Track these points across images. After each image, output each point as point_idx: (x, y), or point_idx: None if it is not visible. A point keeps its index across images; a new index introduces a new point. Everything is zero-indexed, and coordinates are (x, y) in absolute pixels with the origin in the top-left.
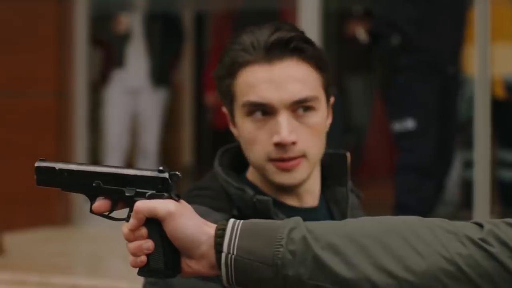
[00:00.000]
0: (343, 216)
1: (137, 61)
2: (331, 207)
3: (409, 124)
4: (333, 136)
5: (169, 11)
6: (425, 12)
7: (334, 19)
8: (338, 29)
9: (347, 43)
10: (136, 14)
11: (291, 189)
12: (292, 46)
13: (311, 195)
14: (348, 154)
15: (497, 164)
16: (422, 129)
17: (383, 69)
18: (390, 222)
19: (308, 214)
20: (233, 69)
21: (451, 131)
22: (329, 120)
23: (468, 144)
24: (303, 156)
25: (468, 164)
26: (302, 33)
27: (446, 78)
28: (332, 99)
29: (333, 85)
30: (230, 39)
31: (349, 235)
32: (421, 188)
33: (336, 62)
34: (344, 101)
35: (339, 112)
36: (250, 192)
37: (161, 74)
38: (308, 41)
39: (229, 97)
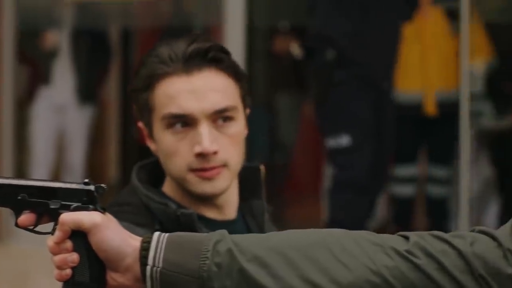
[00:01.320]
0: (260, 229)
1: (63, 78)
2: (247, 220)
3: (344, 140)
4: (260, 152)
5: (96, 27)
6: (360, 26)
7: (262, 35)
8: (266, 45)
9: (274, 59)
10: (63, 30)
11: (211, 200)
12: (210, 56)
13: (231, 207)
14: (262, 167)
15: (428, 180)
16: (357, 145)
17: (317, 84)
18: (316, 234)
19: (227, 226)
20: (151, 81)
21: (385, 147)
22: (246, 131)
23: (397, 160)
24: (224, 165)
25: (396, 180)
26: (219, 44)
27: (381, 93)
28: (248, 110)
29: (264, 101)
30: (146, 53)
31: (275, 248)
32: (355, 205)
33: (264, 78)
34: (273, 117)
35: (266, 128)
36: (173, 206)
37: (88, 91)
38: (225, 52)
39: (147, 110)
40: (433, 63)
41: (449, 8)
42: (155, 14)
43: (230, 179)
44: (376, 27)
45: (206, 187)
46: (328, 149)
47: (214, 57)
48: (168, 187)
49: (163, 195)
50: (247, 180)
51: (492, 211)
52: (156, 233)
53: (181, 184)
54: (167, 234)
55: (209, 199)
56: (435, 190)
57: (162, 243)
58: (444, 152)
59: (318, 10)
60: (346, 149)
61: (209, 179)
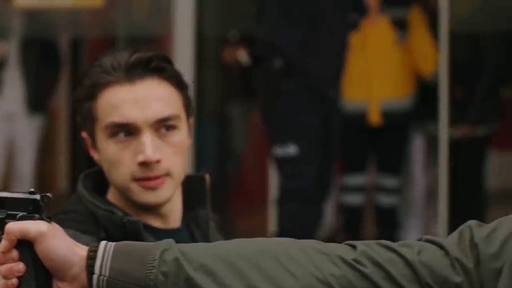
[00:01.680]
0: (205, 239)
1: (13, 87)
2: (192, 229)
3: (291, 149)
4: (209, 162)
5: (46, 36)
6: (308, 35)
7: (211, 44)
8: (216, 55)
9: (224, 68)
10: (12, 39)
11: (155, 209)
12: (153, 65)
13: (174, 216)
14: (207, 177)
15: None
16: (304, 154)
17: (265, 93)
18: (263, 243)
19: (172, 235)
20: (94, 91)
21: (332, 156)
22: (189, 141)
23: (346, 169)
24: (168, 174)
25: (345, 189)
26: (162, 53)
27: (328, 102)
28: (191, 120)
29: (214, 110)
30: (89, 63)
31: (222, 257)
32: (303, 214)
33: (213, 87)
34: (223, 127)
35: (216, 137)
36: (119, 213)
37: (37, 100)
38: (168, 61)
39: (90, 120)
40: (379, 72)
41: (396, 17)
42: (105, 23)
43: (174, 188)
44: (324, 36)
45: (149, 197)
46: (275, 158)
47: (157, 66)
48: (112, 196)
49: (109, 203)
50: (192, 189)
51: (441, 220)
52: (103, 242)
53: (124, 193)
54: (114, 243)
55: (152, 209)
56: (384, 200)
57: (108, 252)
58: (393, 161)
59: (266, 19)
60: (293, 158)
61: (152, 188)
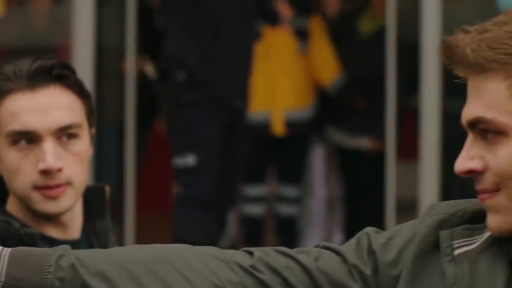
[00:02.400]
0: None
1: None
2: (92, 240)
3: (190, 160)
4: (110, 171)
5: None
6: (211, 47)
7: (111, 55)
8: (116, 65)
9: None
10: None
11: (55, 219)
12: (55, 73)
13: (75, 226)
14: (107, 188)
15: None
16: (202, 165)
17: (168, 104)
18: (160, 250)
19: (72, 246)
20: None
21: (236, 166)
22: (91, 150)
23: (249, 179)
24: (69, 183)
25: (246, 200)
26: (64, 62)
27: (234, 112)
28: (93, 130)
29: (114, 120)
30: None
31: (118, 263)
32: (200, 223)
33: (114, 98)
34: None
35: (117, 148)
36: (16, 224)
37: None
38: (70, 69)
39: None
40: (282, 82)
41: (297, 27)
42: (4, 34)
43: (75, 198)
44: (228, 47)
45: (50, 206)
46: (175, 168)
47: (59, 74)
48: (11, 206)
49: (7, 213)
50: (92, 200)
51: (340, 228)
52: None
53: (25, 202)
54: (9, 249)
55: (53, 218)
56: (284, 209)
57: (4, 257)
58: (294, 171)
59: (169, 32)
60: (191, 168)
61: (53, 197)
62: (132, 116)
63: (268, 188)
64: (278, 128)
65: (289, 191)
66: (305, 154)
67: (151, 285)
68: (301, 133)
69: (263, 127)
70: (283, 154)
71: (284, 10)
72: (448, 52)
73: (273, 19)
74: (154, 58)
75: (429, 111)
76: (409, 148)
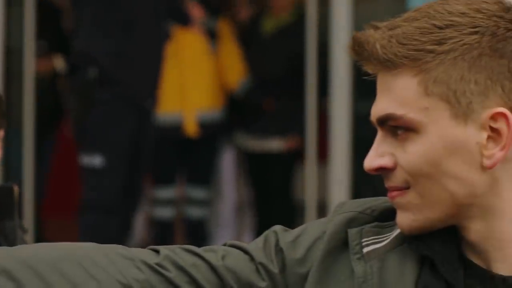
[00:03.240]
0: None
1: None
2: (0, 241)
3: (97, 160)
4: (15, 173)
5: None
6: (123, 45)
7: (19, 55)
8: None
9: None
10: None
11: None
12: None
13: None
14: (16, 188)
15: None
16: (110, 166)
17: (78, 102)
18: (66, 248)
19: None
20: None
21: (142, 168)
22: (0, 153)
23: (158, 181)
24: None
25: (156, 202)
26: None
27: (143, 113)
28: (2, 132)
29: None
30: None
31: (24, 261)
32: (105, 227)
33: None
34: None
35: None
36: None
37: None
38: None
39: None
40: (193, 83)
41: (208, 28)
42: None
43: None
44: (139, 45)
45: None
46: (82, 168)
47: None
48: None
49: None
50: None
51: (249, 230)
52: None
53: None
54: None
55: None
56: (194, 212)
57: None
58: (203, 173)
59: (81, 29)
60: (98, 169)
61: None
62: (30, 118)
63: (177, 190)
64: (190, 129)
65: (198, 193)
66: (215, 156)
67: (57, 284)
68: (211, 135)
69: (175, 128)
70: (192, 156)
71: (195, 10)
72: (358, 49)
73: (184, 20)
74: (64, 57)
75: (339, 113)
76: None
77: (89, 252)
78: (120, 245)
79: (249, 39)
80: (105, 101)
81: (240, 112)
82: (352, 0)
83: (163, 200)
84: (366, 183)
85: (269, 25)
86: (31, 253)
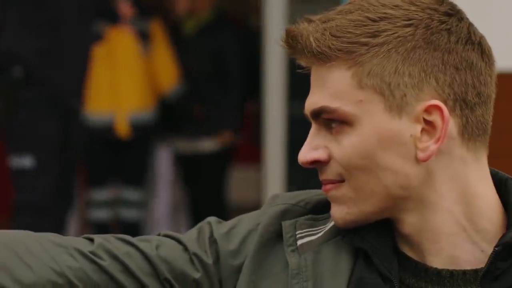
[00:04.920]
0: None
1: None
2: None
3: (27, 161)
4: None
5: None
6: (49, 44)
7: None
8: None
9: None
10: None
11: None
12: None
13: None
14: None
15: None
16: (41, 167)
17: (4, 102)
18: None
19: None
20: None
21: (71, 168)
22: None
23: (91, 183)
24: None
25: (91, 204)
26: None
27: (70, 113)
28: None
29: None
30: None
31: None
32: (39, 228)
33: None
34: None
35: None
36: None
37: None
38: None
39: None
40: (125, 84)
41: (140, 28)
42: None
43: None
44: (65, 45)
45: None
46: (12, 169)
47: None
48: None
49: None
50: None
51: (184, 231)
52: None
53: None
54: None
55: None
56: (128, 213)
57: None
58: (137, 175)
59: (6, 27)
60: (29, 170)
61: None
62: None
63: (111, 191)
64: (122, 130)
65: (133, 194)
66: (148, 157)
67: None
68: (144, 136)
69: (106, 130)
70: (125, 157)
71: (125, 9)
72: (291, 42)
73: (114, 18)
74: None
75: (273, 114)
76: (249, 152)
77: (22, 239)
78: (54, 233)
79: (173, 40)
80: (31, 100)
81: (171, 114)
82: None
83: (98, 201)
84: (302, 186)
85: (190, 25)
86: None
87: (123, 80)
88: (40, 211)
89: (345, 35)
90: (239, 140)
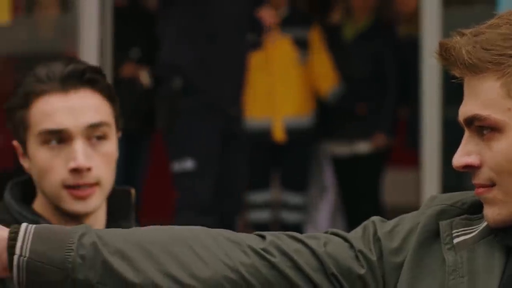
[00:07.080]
0: None
1: None
2: None
3: (188, 164)
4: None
5: None
6: (207, 54)
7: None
8: (114, 73)
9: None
10: None
11: (81, 219)
12: (86, 77)
13: (98, 226)
14: (133, 191)
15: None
16: (200, 169)
17: (165, 111)
18: (176, 231)
19: None
20: (28, 99)
21: (237, 172)
22: (117, 153)
23: (251, 186)
24: (97, 183)
25: (251, 206)
26: (95, 66)
27: (229, 119)
28: (119, 134)
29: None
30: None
31: (137, 242)
32: (201, 225)
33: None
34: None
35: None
36: (44, 223)
37: None
38: (101, 73)
39: (22, 128)
40: (282, 90)
41: (297, 37)
42: (10, 41)
43: (102, 198)
44: (223, 54)
45: (79, 206)
46: (173, 173)
47: (90, 78)
48: (38, 205)
49: (34, 212)
50: (116, 202)
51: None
52: (24, 224)
53: (54, 201)
54: (34, 226)
55: (79, 218)
56: (289, 216)
57: (29, 233)
58: (297, 178)
59: (165, 39)
60: (190, 173)
61: (83, 198)
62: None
63: (272, 195)
64: (279, 135)
65: (293, 198)
66: (307, 161)
67: (168, 264)
68: (302, 141)
69: (264, 135)
70: (285, 161)
71: (269, 17)
72: (445, 54)
73: (262, 29)
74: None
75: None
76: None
77: (198, 235)
78: (228, 230)
79: (332, 45)
80: (190, 108)
81: (329, 118)
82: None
83: (258, 204)
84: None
85: (349, 31)
86: (142, 235)
87: (280, 87)
88: (201, 211)
89: (495, 48)
90: (392, 143)
